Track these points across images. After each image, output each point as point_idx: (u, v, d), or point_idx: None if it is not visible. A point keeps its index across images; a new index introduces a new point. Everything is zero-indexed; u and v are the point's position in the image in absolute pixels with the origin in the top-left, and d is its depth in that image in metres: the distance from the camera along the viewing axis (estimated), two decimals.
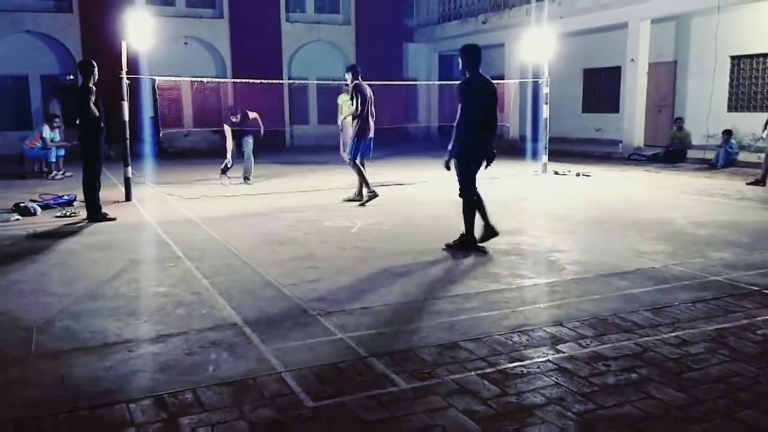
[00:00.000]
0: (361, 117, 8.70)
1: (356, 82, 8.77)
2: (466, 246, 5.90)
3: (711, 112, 14.46)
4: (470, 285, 4.86)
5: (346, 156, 9.00)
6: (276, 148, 18.27)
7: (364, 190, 8.78)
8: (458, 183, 5.93)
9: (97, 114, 7.53)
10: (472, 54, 5.81)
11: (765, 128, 10.51)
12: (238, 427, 2.74)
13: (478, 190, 5.94)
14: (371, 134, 8.84)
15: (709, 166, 13.08)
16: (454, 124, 5.74)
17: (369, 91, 8.85)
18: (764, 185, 10.12)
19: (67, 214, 8.01)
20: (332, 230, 7.01)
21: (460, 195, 5.92)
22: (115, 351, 3.59)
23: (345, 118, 12.96)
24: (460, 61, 5.87)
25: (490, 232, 5.94)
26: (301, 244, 6.32)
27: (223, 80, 17.37)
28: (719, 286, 4.80)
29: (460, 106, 5.74)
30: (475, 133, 5.74)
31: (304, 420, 2.81)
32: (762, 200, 8.88)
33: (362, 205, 8.64)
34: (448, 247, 5.96)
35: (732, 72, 15.23)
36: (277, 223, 7.38)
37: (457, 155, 5.84)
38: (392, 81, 15.40)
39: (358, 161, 8.77)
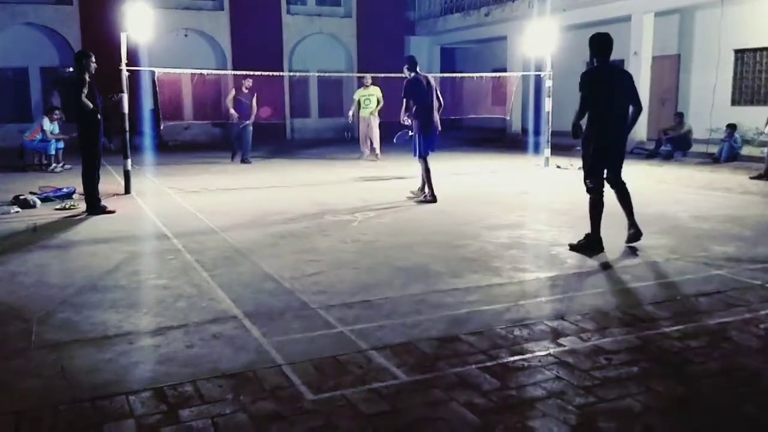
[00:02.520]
0: (420, 111, 8.25)
1: (413, 74, 8.30)
2: (591, 247, 5.57)
3: (714, 106, 14.39)
4: (471, 278, 4.84)
5: (417, 155, 8.42)
6: (277, 140, 18.25)
7: (426, 190, 8.44)
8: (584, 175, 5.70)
9: (92, 106, 7.44)
10: (602, 42, 5.51)
11: (767, 122, 10.46)
12: (238, 419, 2.73)
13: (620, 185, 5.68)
14: (437, 127, 8.47)
15: (713, 160, 13.03)
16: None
17: (428, 81, 8.38)
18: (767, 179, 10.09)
19: (67, 206, 8.00)
20: (333, 223, 6.99)
21: (587, 190, 5.66)
22: (115, 343, 3.58)
23: (371, 113, 13.50)
24: (589, 50, 5.60)
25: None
26: (302, 238, 6.30)
27: (223, 72, 17.30)
28: (721, 280, 4.78)
29: (580, 96, 5.48)
30: (602, 127, 5.48)
31: (304, 412, 2.80)
32: (765, 194, 8.85)
33: (419, 203, 8.34)
34: (572, 248, 5.66)
35: (736, 66, 15.15)
36: (278, 216, 7.36)
37: (583, 147, 5.62)
38: (394, 74, 15.31)
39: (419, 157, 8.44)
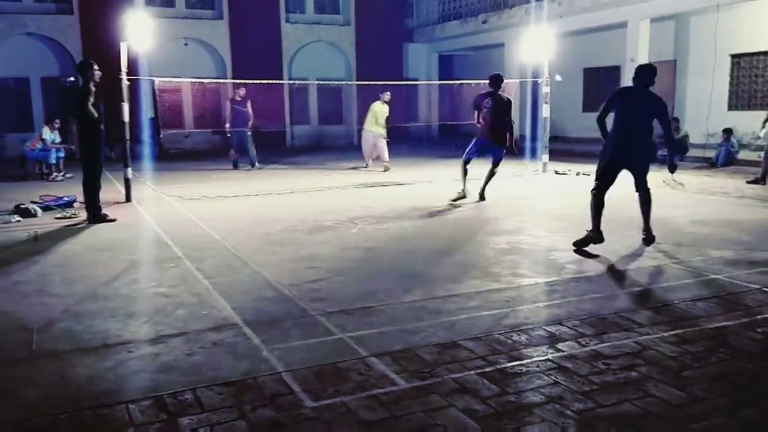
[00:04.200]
0: (485, 123, 8.87)
1: (494, 90, 8.85)
2: (595, 238, 5.98)
3: (711, 111, 14.45)
4: (471, 284, 4.86)
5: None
6: (276, 148, 18.29)
7: (460, 188, 8.95)
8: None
9: (96, 115, 7.51)
10: (639, 70, 6.15)
11: (764, 126, 10.51)
12: (238, 427, 2.75)
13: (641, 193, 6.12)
14: (488, 140, 8.93)
15: (710, 164, 13.07)
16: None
17: (501, 102, 8.90)
18: (764, 184, 10.12)
19: (68, 215, 8.02)
20: (333, 231, 7.01)
21: (592, 189, 6.17)
22: (115, 351, 3.60)
23: (379, 129, 13.40)
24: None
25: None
26: (302, 245, 6.32)
27: (223, 81, 17.36)
28: (719, 284, 4.80)
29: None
30: (615, 135, 6.08)
31: (304, 420, 2.81)
32: (762, 199, 8.88)
33: (453, 200, 8.80)
34: (576, 244, 6.01)
35: (732, 70, 15.23)
36: (278, 224, 7.38)
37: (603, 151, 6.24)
38: (392, 81, 15.38)
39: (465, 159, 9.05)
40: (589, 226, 6.01)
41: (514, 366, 3.35)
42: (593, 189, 6.13)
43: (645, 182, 6.12)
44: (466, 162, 9.00)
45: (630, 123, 6.02)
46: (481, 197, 8.96)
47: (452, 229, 6.95)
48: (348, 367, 3.35)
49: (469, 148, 9.06)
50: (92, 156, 7.66)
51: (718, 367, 3.33)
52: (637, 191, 6.17)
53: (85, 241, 6.67)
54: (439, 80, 21.92)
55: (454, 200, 8.83)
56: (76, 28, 17.73)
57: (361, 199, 9.28)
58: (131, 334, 3.88)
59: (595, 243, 5.96)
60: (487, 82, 9.08)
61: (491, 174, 9.05)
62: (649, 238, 6.10)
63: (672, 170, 6.82)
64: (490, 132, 8.87)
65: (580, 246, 5.95)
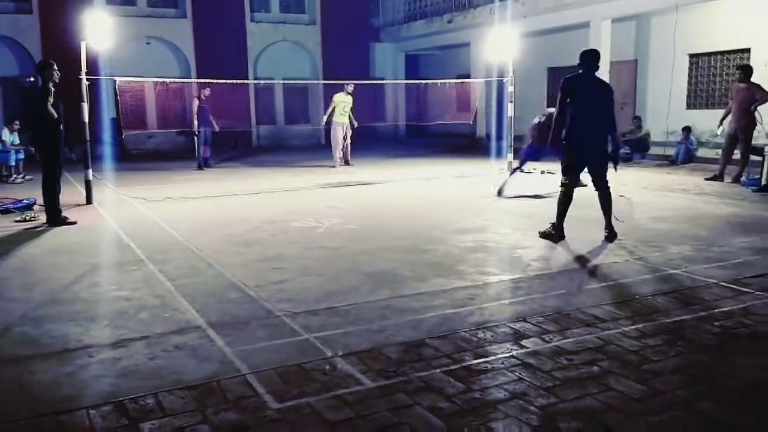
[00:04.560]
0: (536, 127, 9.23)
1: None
2: (558, 235, 6.18)
3: (671, 110, 14.76)
4: (436, 282, 4.89)
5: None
6: (242, 148, 18.14)
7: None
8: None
9: (56, 116, 7.35)
10: (584, 55, 6.12)
11: (720, 124, 10.77)
12: (201, 431, 2.72)
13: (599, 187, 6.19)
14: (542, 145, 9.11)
15: (670, 162, 13.35)
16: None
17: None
18: (722, 180, 10.37)
19: (27, 218, 7.83)
20: (299, 231, 6.98)
21: (560, 185, 6.26)
22: (75, 356, 3.53)
23: (350, 119, 13.71)
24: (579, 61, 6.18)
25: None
26: (268, 245, 6.28)
27: (187, 81, 17.14)
28: (678, 279, 4.91)
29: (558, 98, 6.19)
30: (574, 127, 6.02)
31: (269, 422, 2.79)
32: (720, 195, 9.10)
33: (499, 193, 9.23)
34: (541, 235, 6.26)
35: (690, 70, 15.55)
36: (244, 225, 7.31)
37: (564, 146, 6.18)
38: (359, 80, 15.37)
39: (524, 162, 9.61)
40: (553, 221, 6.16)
41: (479, 363, 3.37)
42: (561, 184, 6.19)
43: (605, 177, 6.17)
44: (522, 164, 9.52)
45: (588, 112, 5.97)
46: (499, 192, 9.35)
47: (418, 228, 6.97)
48: (313, 367, 3.34)
49: (528, 150, 9.43)
50: (51, 158, 7.50)
51: (676, 360, 3.40)
52: (596, 188, 6.22)
53: (45, 245, 6.52)
54: (406, 79, 21.99)
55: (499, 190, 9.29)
56: (36, 27, 17.31)
57: (328, 199, 9.25)
58: (92, 338, 3.81)
59: (555, 241, 6.06)
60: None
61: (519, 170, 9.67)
62: (611, 235, 6.18)
63: (615, 164, 6.33)
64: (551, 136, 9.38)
65: (544, 237, 6.18)
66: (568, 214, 6.24)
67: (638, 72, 16.85)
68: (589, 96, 6.01)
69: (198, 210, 8.55)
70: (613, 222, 6.20)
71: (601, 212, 6.25)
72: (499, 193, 9.24)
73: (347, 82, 13.94)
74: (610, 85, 6.27)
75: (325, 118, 14.07)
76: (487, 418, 2.80)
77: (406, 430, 2.71)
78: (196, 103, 13.70)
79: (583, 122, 5.98)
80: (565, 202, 6.17)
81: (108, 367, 3.38)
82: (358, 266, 5.42)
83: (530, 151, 9.36)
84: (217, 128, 13.93)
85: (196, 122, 13.62)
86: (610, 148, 6.26)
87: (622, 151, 14.20)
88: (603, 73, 15.45)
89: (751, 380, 3.17)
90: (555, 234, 6.20)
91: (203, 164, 13.74)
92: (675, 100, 14.96)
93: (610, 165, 6.20)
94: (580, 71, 6.10)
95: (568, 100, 6.03)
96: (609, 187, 6.21)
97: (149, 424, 2.77)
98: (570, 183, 6.18)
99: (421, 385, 3.12)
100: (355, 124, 14.04)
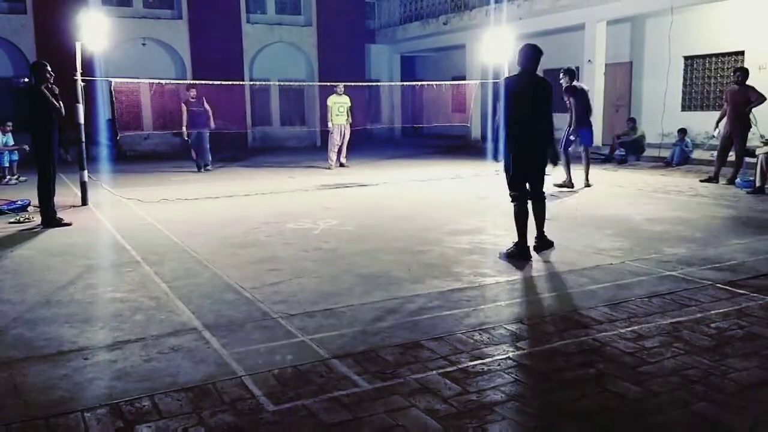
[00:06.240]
0: (578, 116, 9.67)
1: (573, 84, 9.75)
2: (523, 254, 5.57)
3: (666, 112, 14.78)
4: (432, 284, 4.88)
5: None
6: (238, 149, 18.11)
7: (566, 178, 9.71)
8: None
9: (63, 112, 7.38)
10: (523, 51, 5.74)
11: (716, 127, 10.80)
12: None
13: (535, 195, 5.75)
14: (585, 127, 9.91)
15: (665, 164, 13.39)
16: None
17: (583, 90, 10.01)
18: (717, 182, 10.40)
19: (21, 219, 7.80)
20: (295, 232, 6.97)
21: (511, 200, 5.72)
22: (70, 359, 3.51)
23: (346, 120, 13.81)
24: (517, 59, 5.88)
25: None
26: (263, 247, 6.27)
27: (182, 82, 17.07)
28: (674, 280, 4.92)
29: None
30: (512, 132, 5.61)
31: (265, 424, 2.78)
32: (715, 197, 9.12)
33: (559, 187, 9.51)
34: (503, 256, 5.65)
35: (685, 72, 15.62)
36: (239, 226, 7.30)
37: (504, 158, 5.80)
38: (355, 82, 15.38)
39: (570, 149, 9.91)
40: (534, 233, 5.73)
41: (476, 365, 3.37)
42: (512, 200, 5.68)
43: (542, 187, 5.81)
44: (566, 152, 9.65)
45: (529, 117, 5.53)
46: (570, 183, 9.65)
47: (414, 230, 6.97)
48: (309, 369, 3.33)
49: (566, 138, 9.73)
50: (46, 158, 7.47)
51: (673, 362, 3.40)
52: (531, 199, 5.69)
53: (40, 246, 6.49)
54: (402, 81, 22.00)
55: (560, 183, 9.59)
56: (30, 27, 17.24)
57: (323, 201, 9.24)
58: (87, 340, 3.79)
59: (519, 259, 5.50)
60: (566, 77, 9.77)
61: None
62: (543, 245, 5.83)
63: (554, 162, 6.09)
64: (586, 120, 9.90)
65: (507, 258, 5.59)
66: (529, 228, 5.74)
67: (633, 74, 16.90)
68: (528, 98, 5.55)
69: (194, 211, 8.53)
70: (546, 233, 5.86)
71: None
72: (570, 184, 9.52)
73: (336, 83, 13.98)
74: (551, 83, 5.79)
75: (330, 123, 13.91)
76: (484, 420, 2.79)
77: None
78: (184, 108, 13.54)
79: (525, 129, 5.54)
80: (521, 217, 5.61)
81: (103, 370, 3.36)
82: (354, 268, 5.41)
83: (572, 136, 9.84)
84: (213, 125, 13.68)
85: (185, 128, 13.49)
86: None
87: (617, 152, 14.29)
88: (598, 75, 15.62)
89: (747, 382, 3.17)
90: (517, 252, 5.58)
91: (202, 166, 13.56)
92: (670, 102, 14.98)
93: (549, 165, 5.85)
94: (521, 70, 5.68)
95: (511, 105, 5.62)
96: (544, 197, 5.83)
97: (145, 426, 2.76)
98: (520, 195, 5.64)
99: (417, 387, 3.11)
100: (350, 120, 14.01)
